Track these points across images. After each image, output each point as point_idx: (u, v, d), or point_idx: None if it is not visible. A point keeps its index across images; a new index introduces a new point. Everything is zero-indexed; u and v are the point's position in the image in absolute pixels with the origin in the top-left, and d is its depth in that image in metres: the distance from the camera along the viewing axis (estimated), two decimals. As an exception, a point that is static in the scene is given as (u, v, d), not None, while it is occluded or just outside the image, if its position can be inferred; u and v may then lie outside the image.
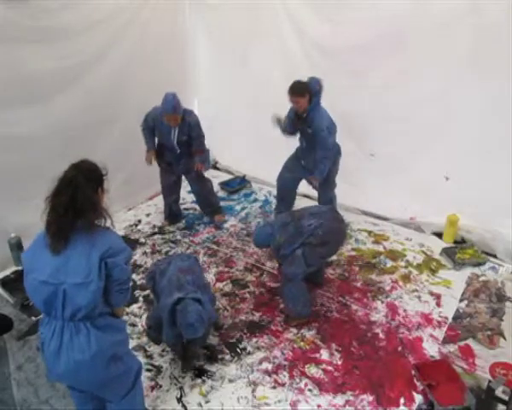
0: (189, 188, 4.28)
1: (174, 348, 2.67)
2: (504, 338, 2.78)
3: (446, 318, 2.98)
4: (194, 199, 4.32)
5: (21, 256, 1.87)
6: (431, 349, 2.73)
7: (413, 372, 2.55)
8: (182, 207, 4.36)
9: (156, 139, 3.86)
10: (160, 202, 4.42)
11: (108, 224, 1.80)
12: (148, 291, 3.23)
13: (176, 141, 3.74)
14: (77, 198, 1.68)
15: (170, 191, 4.12)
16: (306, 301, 2.94)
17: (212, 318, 2.57)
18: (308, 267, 2.86)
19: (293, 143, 3.84)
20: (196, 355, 2.68)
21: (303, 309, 2.93)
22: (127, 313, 2.98)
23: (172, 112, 3.52)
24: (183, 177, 4.09)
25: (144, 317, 3.00)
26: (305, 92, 3.39)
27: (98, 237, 1.75)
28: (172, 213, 4.20)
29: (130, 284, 1.84)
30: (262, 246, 3.20)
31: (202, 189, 4.09)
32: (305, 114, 3.48)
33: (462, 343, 2.76)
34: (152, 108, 3.70)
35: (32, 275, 1.74)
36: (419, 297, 3.17)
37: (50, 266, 1.71)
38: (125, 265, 1.80)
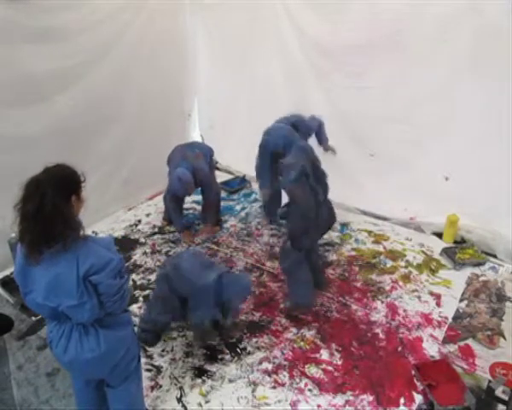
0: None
1: (200, 328, 2.68)
2: (504, 338, 2.78)
3: (446, 318, 2.97)
4: (196, 199, 4.31)
5: (14, 275, 1.80)
6: (431, 349, 2.73)
7: (413, 372, 2.54)
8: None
9: None
10: (159, 202, 4.42)
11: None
12: (147, 291, 3.24)
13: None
14: (44, 207, 1.55)
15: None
16: (307, 290, 2.95)
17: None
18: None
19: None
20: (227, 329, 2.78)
21: (302, 299, 2.95)
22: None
23: (183, 192, 3.66)
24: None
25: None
26: None
27: (80, 252, 1.64)
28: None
29: (124, 292, 1.78)
30: None
31: (212, 205, 4.07)
32: None
33: (462, 343, 2.76)
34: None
35: (29, 296, 1.73)
36: (419, 297, 3.17)
37: (42, 288, 1.66)
38: (111, 279, 1.69)
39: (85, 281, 1.66)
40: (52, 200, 1.57)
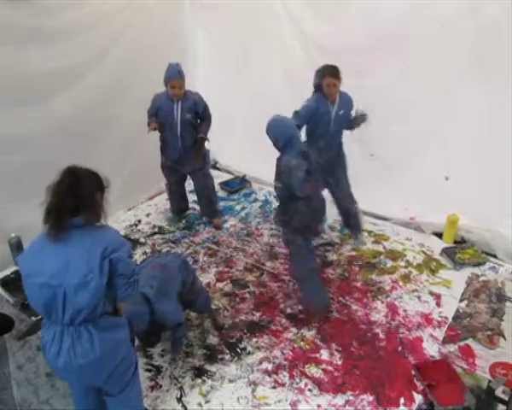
0: (189, 188, 4.28)
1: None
2: (504, 338, 2.78)
3: (446, 318, 2.97)
4: (196, 199, 4.32)
5: (17, 259, 1.83)
6: (431, 349, 2.73)
7: (413, 372, 2.54)
8: (183, 208, 4.36)
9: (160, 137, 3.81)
10: (159, 202, 4.43)
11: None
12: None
13: (179, 120, 3.62)
14: (77, 188, 1.70)
15: (177, 186, 4.11)
16: (322, 292, 3.00)
17: (170, 323, 2.45)
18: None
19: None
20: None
21: (320, 302, 2.97)
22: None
23: (178, 76, 3.46)
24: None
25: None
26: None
27: (97, 233, 1.75)
28: (180, 208, 4.23)
29: (136, 275, 1.83)
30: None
31: (206, 188, 4.07)
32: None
33: (462, 343, 2.76)
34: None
35: (31, 279, 1.72)
36: (419, 297, 3.17)
37: (50, 267, 1.68)
38: (128, 258, 1.79)
39: (103, 260, 1.69)
40: (85, 184, 1.73)
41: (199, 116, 3.75)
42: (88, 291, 1.67)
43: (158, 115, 3.68)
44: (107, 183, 1.87)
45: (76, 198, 1.70)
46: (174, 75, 3.46)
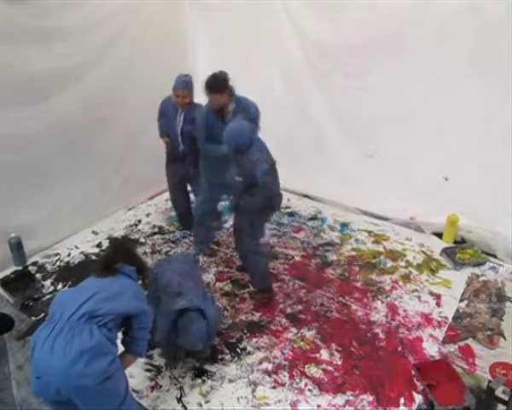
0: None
1: (166, 352, 2.66)
2: (504, 338, 2.78)
3: (446, 318, 2.97)
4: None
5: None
6: (431, 349, 2.73)
7: (413, 372, 2.54)
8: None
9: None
10: (160, 202, 4.43)
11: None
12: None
13: (180, 128, 3.61)
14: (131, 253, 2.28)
15: (179, 193, 4.02)
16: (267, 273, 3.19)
17: (213, 324, 2.58)
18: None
19: (293, 141, 3.84)
20: (199, 358, 2.67)
21: (265, 283, 3.13)
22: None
23: (182, 86, 3.47)
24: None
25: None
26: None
27: (136, 285, 2.18)
28: (186, 218, 4.04)
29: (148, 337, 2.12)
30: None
31: None
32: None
33: (462, 343, 2.76)
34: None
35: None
36: (419, 297, 3.17)
37: (92, 281, 2.10)
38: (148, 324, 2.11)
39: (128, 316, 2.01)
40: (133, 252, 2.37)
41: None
42: (110, 305, 1.91)
43: (162, 119, 3.69)
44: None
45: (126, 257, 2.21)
46: (179, 85, 3.49)
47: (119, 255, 2.17)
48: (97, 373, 1.77)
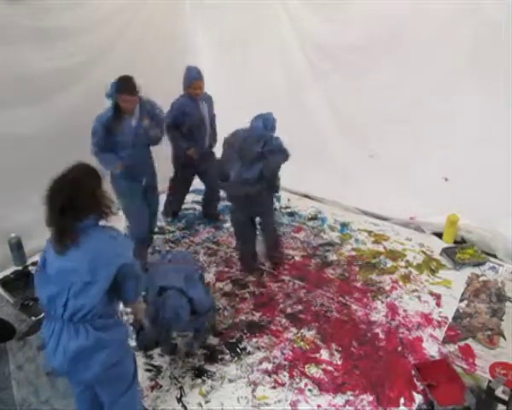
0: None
1: (163, 345, 2.68)
2: (504, 338, 2.78)
3: (446, 318, 2.97)
4: (195, 199, 4.31)
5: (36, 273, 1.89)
6: (431, 349, 2.73)
7: (413, 372, 2.54)
8: (182, 207, 4.36)
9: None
10: (160, 201, 4.40)
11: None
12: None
13: (208, 117, 3.74)
14: (77, 197, 1.68)
15: (187, 185, 4.12)
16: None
17: (201, 307, 2.60)
18: None
19: (293, 141, 3.82)
20: (188, 352, 2.68)
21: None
22: (127, 313, 2.97)
23: (201, 76, 3.58)
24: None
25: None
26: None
27: (103, 238, 1.77)
28: (179, 208, 4.25)
29: (141, 277, 1.89)
30: None
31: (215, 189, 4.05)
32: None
33: (462, 343, 2.76)
34: (171, 107, 3.67)
35: (41, 272, 1.78)
36: (419, 297, 3.17)
37: (57, 266, 1.74)
38: (134, 263, 1.82)
39: (108, 267, 1.73)
40: (86, 190, 1.71)
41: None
42: (89, 295, 1.71)
43: (184, 120, 3.66)
44: (102, 173, 1.86)
45: (77, 208, 1.69)
46: (198, 76, 3.58)
47: (70, 217, 1.69)
48: (103, 363, 1.80)
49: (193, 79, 3.56)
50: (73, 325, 1.76)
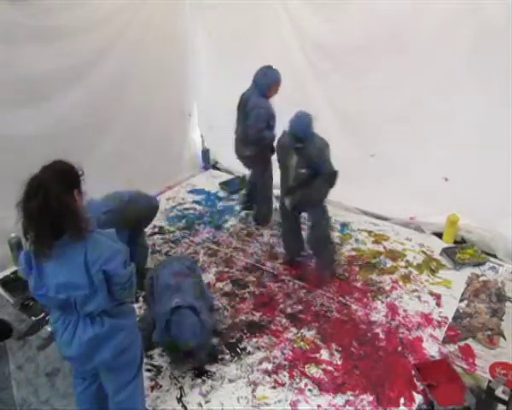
0: (189, 188, 4.27)
1: (168, 352, 2.68)
2: (504, 338, 2.78)
3: (446, 318, 2.97)
4: (195, 199, 4.30)
5: (24, 275, 1.83)
6: (431, 349, 2.73)
7: (413, 372, 2.55)
8: (182, 207, 4.36)
9: None
10: (160, 201, 4.40)
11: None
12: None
13: None
14: (50, 203, 1.58)
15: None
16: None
17: (209, 325, 2.56)
18: None
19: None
20: (198, 359, 2.66)
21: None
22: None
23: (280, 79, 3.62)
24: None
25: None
26: None
27: (89, 245, 1.68)
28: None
29: (132, 279, 1.84)
30: None
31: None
32: None
33: (462, 343, 2.76)
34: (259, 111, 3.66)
35: (41, 291, 1.74)
36: (419, 297, 3.17)
37: (53, 281, 1.70)
38: (121, 269, 1.75)
39: (98, 272, 1.69)
40: (57, 194, 1.59)
41: None
42: (97, 300, 1.75)
43: (271, 122, 3.69)
44: (81, 170, 1.73)
45: (51, 214, 1.59)
46: (280, 77, 3.63)
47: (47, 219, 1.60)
48: (117, 346, 1.84)
49: (278, 79, 3.61)
50: (89, 318, 1.80)
